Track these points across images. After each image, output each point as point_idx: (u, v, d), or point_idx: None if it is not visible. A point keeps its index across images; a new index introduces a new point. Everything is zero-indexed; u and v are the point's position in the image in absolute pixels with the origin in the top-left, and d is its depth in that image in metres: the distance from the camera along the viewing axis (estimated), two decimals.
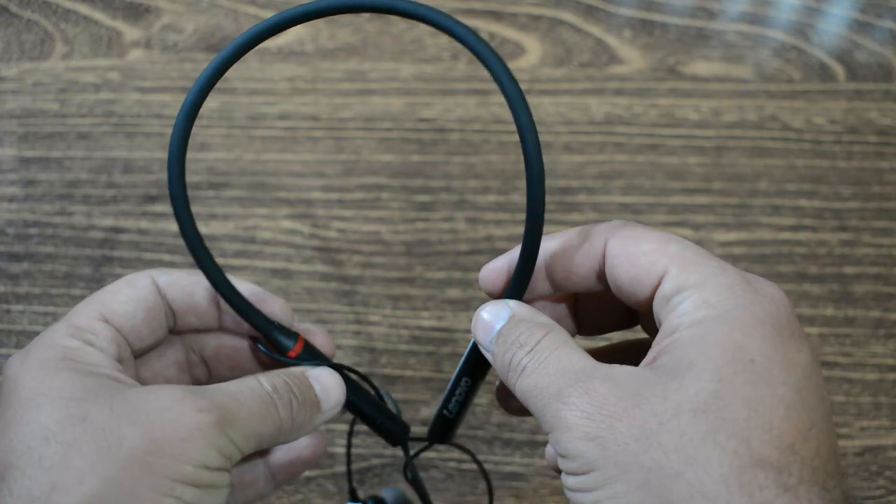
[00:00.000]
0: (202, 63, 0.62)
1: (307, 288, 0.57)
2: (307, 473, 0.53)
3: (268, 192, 0.59)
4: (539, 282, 0.35)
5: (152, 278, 0.37)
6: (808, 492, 0.25)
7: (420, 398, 0.55)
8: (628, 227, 0.33)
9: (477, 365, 0.37)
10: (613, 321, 0.38)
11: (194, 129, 0.35)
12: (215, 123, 0.61)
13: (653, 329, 0.35)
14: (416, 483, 0.41)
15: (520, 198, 0.59)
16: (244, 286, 0.38)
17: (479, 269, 0.36)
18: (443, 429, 0.39)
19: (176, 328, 0.38)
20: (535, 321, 0.32)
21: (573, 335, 0.38)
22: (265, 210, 0.59)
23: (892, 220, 0.59)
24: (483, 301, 0.34)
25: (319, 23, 0.64)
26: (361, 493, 0.52)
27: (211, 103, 0.60)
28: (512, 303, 0.33)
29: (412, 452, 0.41)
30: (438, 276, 0.57)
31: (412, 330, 0.56)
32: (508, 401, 0.38)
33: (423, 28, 0.64)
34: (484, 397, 0.54)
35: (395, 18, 0.64)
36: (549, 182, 0.31)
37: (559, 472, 0.29)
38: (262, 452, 0.38)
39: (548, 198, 0.31)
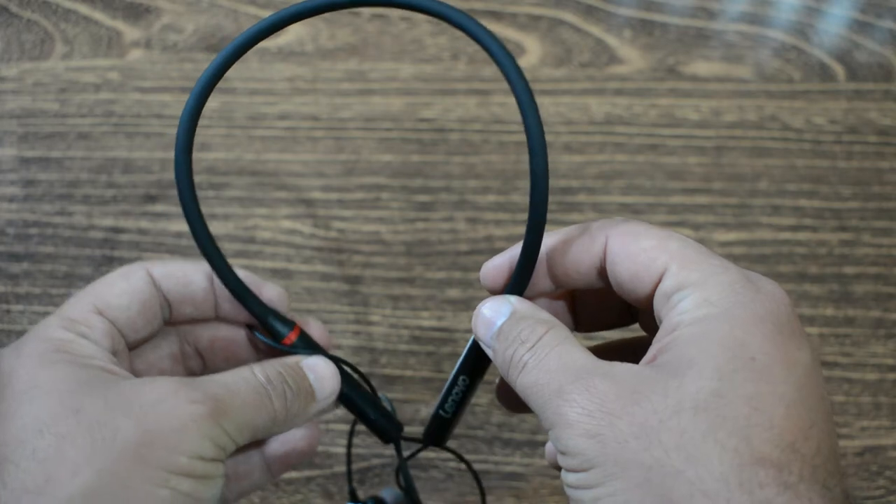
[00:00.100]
0: (202, 63, 0.62)
1: (307, 288, 0.57)
2: (307, 473, 0.53)
3: (268, 192, 0.59)
4: (540, 278, 0.35)
5: (147, 270, 0.37)
6: (809, 490, 0.25)
7: (420, 398, 0.55)
8: (629, 224, 0.33)
9: (475, 363, 0.37)
10: (611, 319, 0.38)
11: None
12: (215, 123, 0.61)
13: (651, 327, 0.35)
14: (408, 488, 0.41)
15: (520, 198, 0.59)
16: (240, 273, 0.38)
17: (479, 270, 0.36)
18: (438, 430, 0.39)
19: (172, 319, 0.38)
20: (536, 318, 0.32)
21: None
22: (265, 210, 0.59)
23: (892, 220, 0.59)
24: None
25: (319, 23, 0.64)
26: (361, 494, 0.52)
27: (211, 103, 0.60)
28: (513, 299, 0.33)
29: (406, 455, 0.41)
30: (438, 276, 0.57)
31: (412, 330, 0.56)
32: (508, 398, 0.38)
33: (424, 28, 0.64)
34: (484, 397, 0.54)
35: (395, 18, 0.64)
36: (550, 182, 0.31)
37: (559, 469, 0.29)
38: (257, 443, 0.38)
39: (548, 197, 0.31)
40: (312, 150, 0.61)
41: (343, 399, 0.39)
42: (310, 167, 0.60)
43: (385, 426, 0.40)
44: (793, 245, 0.58)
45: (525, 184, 0.59)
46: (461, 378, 0.37)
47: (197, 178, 0.58)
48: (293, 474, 0.53)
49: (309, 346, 0.38)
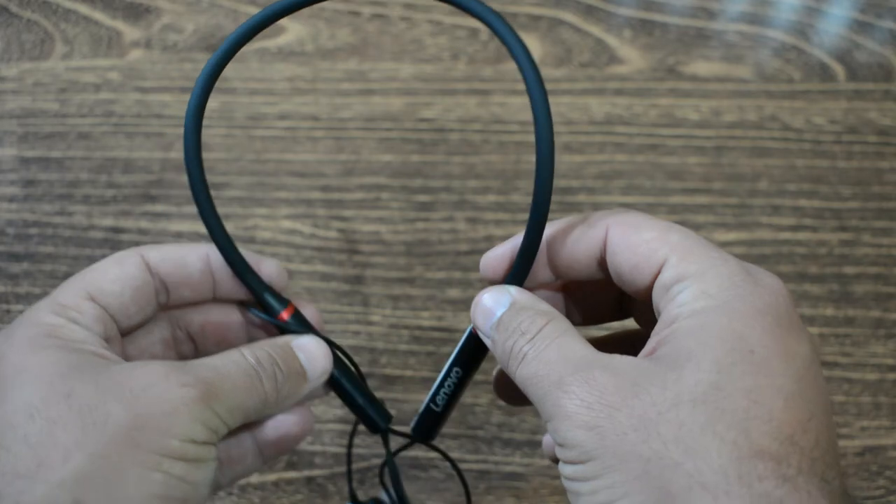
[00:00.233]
0: (202, 63, 0.62)
1: (307, 288, 0.57)
2: (307, 473, 0.53)
3: (268, 192, 0.59)
4: (540, 268, 0.35)
5: (142, 256, 0.37)
6: (807, 483, 0.25)
7: (420, 398, 0.54)
8: (630, 215, 0.33)
9: (471, 354, 0.37)
10: (604, 312, 0.38)
11: None
12: (215, 123, 0.61)
13: (646, 321, 0.35)
14: (394, 483, 0.41)
15: (520, 198, 0.59)
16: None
17: (478, 270, 0.36)
18: (428, 424, 0.39)
19: (169, 303, 0.38)
20: (536, 309, 0.32)
21: None
22: (265, 210, 0.59)
23: (892, 220, 0.59)
24: None
25: (319, 23, 0.64)
26: (361, 495, 0.52)
27: (211, 103, 0.60)
28: (513, 289, 0.33)
29: (393, 451, 0.40)
30: (438, 276, 0.57)
31: (412, 330, 0.56)
32: (505, 390, 0.38)
33: (423, 28, 0.64)
34: (483, 397, 0.54)
35: (394, 18, 0.64)
36: None
37: (556, 461, 0.29)
38: (249, 427, 0.38)
39: (552, 184, 0.31)
40: (312, 150, 0.61)
41: (332, 383, 0.39)
42: (310, 167, 0.60)
43: (374, 415, 0.40)
44: (793, 245, 0.58)
45: (525, 184, 0.59)
46: (455, 370, 0.37)
47: None
48: (293, 474, 0.53)
49: (302, 325, 0.38)
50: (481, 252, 0.57)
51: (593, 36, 0.64)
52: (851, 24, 0.65)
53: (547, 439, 0.35)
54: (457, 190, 0.59)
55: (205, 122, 0.37)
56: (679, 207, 0.59)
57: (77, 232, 0.58)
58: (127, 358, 0.36)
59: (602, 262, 0.33)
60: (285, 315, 0.38)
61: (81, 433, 0.29)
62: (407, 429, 0.40)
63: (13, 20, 0.64)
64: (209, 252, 0.38)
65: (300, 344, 0.37)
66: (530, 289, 0.34)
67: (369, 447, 0.53)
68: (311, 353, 0.37)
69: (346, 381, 0.39)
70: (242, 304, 0.40)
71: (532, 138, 0.58)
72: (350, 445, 0.43)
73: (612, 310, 0.38)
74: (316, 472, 0.53)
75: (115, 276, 0.36)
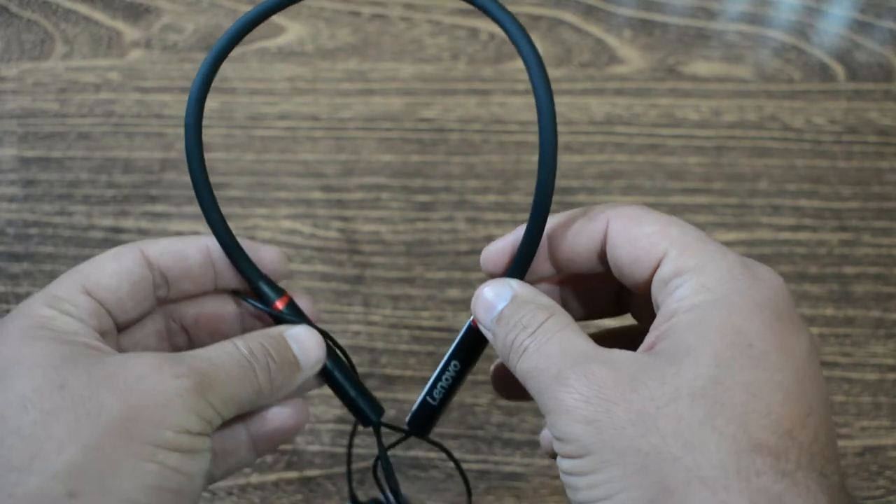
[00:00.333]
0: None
1: (307, 288, 0.57)
2: (307, 473, 0.52)
3: (268, 192, 0.59)
4: (541, 262, 0.35)
5: (141, 250, 0.36)
6: (806, 477, 0.25)
7: None
8: (631, 208, 0.33)
9: (470, 347, 0.37)
10: (603, 307, 0.38)
11: None
12: (215, 123, 0.61)
13: (644, 316, 0.35)
14: (388, 478, 0.41)
15: (520, 198, 0.59)
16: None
17: (479, 270, 0.36)
18: (424, 417, 0.39)
19: (169, 297, 0.38)
20: (537, 303, 0.32)
21: None
22: (265, 210, 0.59)
23: (892, 220, 0.59)
24: None
25: (319, 23, 0.64)
26: (361, 495, 0.52)
27: (211, 103, 0.60)
28: (514, 282, 0.33)
29: (387, 445, 0.40)
30: (438, 276, 0.57)
31: (412, 330, 0.56)
32: (503, 385, 0.38)
33: (423, 28, 0.64)
34: (483, 397, 0.54)
35: (395, 18, 0.64)
36: None
37: (554, 456, 0.29)
38: (243, 418, 0.37)
39: (555, 177, 0.31)
40: (312, 150, 0.61)
41: (325, 374, 0.39)
42: (310, 167, 0.60)
43: (365, 407, 0.39)
44: (793, 245, 0.58)
45: (525, 184, 0.59)
46: (453, 363, 0.37)
47: None
48: (293, 474, 0.53)
49: (297, 315, 0.38)
50: (481, 252, 0.58)
51: (593, 36, 0.64)
52: (851, 24, 0.65)
53: (545, 434, 0.35)
54: (457, 190, 0.59)
55: (205, 122, 0.37)
56: (679, 207, 0.59)
57: (77, 232, 0.58)
58: (120, 350, 0.36)
59: (602, 256, 0.33)
60: (280, 304, 0.38)
61: (75, 424, 0.29)
62: (405, 426, 0.40)
63: (13, 20, 0.64)
64: (209, 243, 0.38)
65: (293, 334, 0.37)
66: (531, 282, 0.34)
67: (369, 447, 0.53)
68: (304, 342, 0.37)
69: (338, 372, 0.39)
70: (237, 294, 0.40)
71: (532, 138, 0.58)
72: (350, 445, 0.43)
73: (608, 306, 0.38)
74: (316, 472, 0.53)
75: (113, 270, 0.35)
